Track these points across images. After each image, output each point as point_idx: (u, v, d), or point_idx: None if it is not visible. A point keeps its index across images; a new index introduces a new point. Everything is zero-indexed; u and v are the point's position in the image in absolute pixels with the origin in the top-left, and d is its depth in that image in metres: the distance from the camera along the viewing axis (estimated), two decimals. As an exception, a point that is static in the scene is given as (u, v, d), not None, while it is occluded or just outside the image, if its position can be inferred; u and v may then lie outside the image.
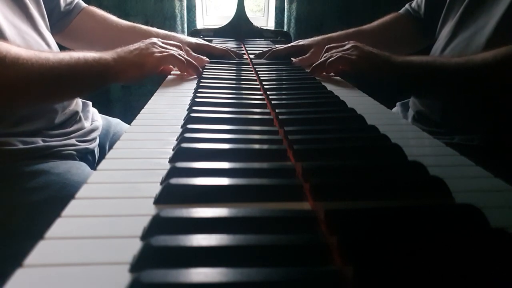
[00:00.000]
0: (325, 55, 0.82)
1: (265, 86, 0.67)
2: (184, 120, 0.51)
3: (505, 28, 0.67)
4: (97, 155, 0.84)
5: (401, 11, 1.00)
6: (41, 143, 0.68)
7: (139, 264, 0.24)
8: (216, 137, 0.44)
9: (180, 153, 0.39)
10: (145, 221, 0.28)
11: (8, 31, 0.65)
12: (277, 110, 0.52)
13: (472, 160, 0.41)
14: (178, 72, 0.81)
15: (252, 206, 0.31)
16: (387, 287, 0.22)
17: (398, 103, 0.97)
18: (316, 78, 0.79)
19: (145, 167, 0.38)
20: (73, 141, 0.74)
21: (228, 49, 1.00)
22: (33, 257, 0.25)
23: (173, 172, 0.35)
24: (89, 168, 0.73)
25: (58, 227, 0.28)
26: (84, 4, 0.93)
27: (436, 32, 0.86)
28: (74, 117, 0.78)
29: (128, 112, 1.68)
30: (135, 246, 0.26)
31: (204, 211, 0.28)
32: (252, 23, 1.46)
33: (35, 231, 0.30)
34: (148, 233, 0.27)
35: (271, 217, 0.29)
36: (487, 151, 0.69)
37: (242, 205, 0.31)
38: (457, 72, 0.67)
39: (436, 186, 0.33)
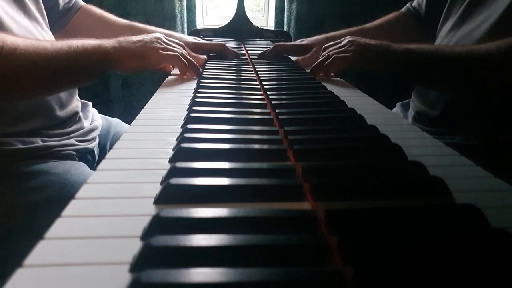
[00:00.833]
0: (322, 54, 0.82)
1: (265, 86, 0.67)
2: (184, 120, 0.51)
3: (504, 24, 0.67)
4: (97, 155, 0.84)
5: (402, 10, 1.00)
6: (40, 143, 0.68)
7: (139, 264, 0.24)
8: (216, 137, 0.44)
9: (180, 153, 0.39)
10: (145, 221, 0.28)
11: (14, 27, 0.65)
12: (277, 110, 0.52)
13: (472, 160, 0.41)
14: (178, 72, 0.81)
15: (252, 206, 0.31)
16: (387, 287, 0.22)
17: (398, 104, 0.97)
18: (316, 78, 0.79)
19: (145, 167, 0.38)
20: (72, 141, 0.74)
21: (225, 45, 1.00)
22: (33, 257, 0.25)
23: (173, 172, 0.35)
24: (88, 168, 0.73)
25: (58, 227, 0.28)
26: (82, 3, 0.93)
27: (437, 30, 0.86)
28: (74, 117, 0.78)
29: (128, 112, 1.68)
30: (135, 246, 0.26)
31: (204, 211, 0.28)
32: (252, 23, 1.46)
33: (34, 231, 0.30)
34: (148, 233, 0.27)
35: (271, 217, 0.29)
36: (487, 151, 0.69)
37: (242, 205, 0.31)
38: (459, 60, 0.66)
39: (436, 186, 0.33)
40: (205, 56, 0.94)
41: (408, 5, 1.00)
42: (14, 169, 0.64)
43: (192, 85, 0.72)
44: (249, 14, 1.51)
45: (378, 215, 0.29)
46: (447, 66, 0.68)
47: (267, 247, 0.25)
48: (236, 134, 0.45)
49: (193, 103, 0.57)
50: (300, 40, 1.04)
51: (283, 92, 0.67)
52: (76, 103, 0.80)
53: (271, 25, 1.82)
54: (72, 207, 0.31)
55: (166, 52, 0.73)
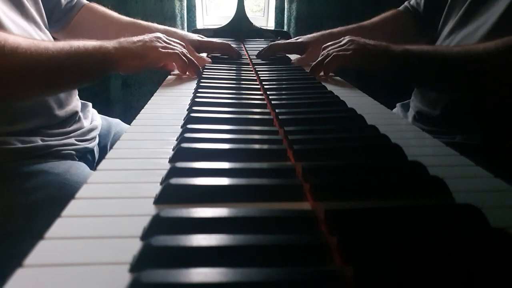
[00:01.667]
0: (322, 53, 0.81)
1: (265, 86, 0.67)
2: (184, 120, 0.51)
3: (505, 24, 0.67)
4: (97, 155, 0.84)
5: (400, 8, 1.00)
6: (40, 143, 0.68)
7: (139, 264, 0.24)
8: (216, 137, 0.44)
9: (180, 153, 0.39)
10: (145, 221, 0.28)
11: (12, 28, 0.65)
12: (277, 110, 0.52)
13: (472, 160, 0.41)
14: (178, 72, 0.81)
15: (252, 206, 0.31)
16: (387, 287, 0.22)
17: (398, 104, 0.97)
18: (316, 77, 0.79)
19: (145, 167, 0.38)
20: (72, 140, 0.74)
21: (230, 44, 1.00)
22: (33, 257, 0.25)
23: (173, 172, 0.35)
24: (88, 168, 0.73)
25: (58, 227, 0.28)
26: (85, 1, 0.93)
27: (438, 30, 0.86)
28: (74, 117, 0.78)
29: (128, 112, 1.68)
30: (135, 246, 0.26)
31: (204, 211, 0.28)
32: (252, 23, 1.46)
33: (34, 231, 0.30)
34: (148, 233, 0.27)
35: (271, 217, 0.29)
36: (487, 151, 0.69)
37: (242, 205, 0.31)
38: (457, 60, 0.66)
39: (436, 186, 0.33)
40: (209, 59, 0.93)
41: (406, 3, 0.99)
42: (13, 169, 0.64)
43: (192, 85, 0.72)
44: (249, 14, 1.51)
45: (378, 215, 0.29)
46: (445, 67, 0.68)
47: (267, 247, 0.25)
48: (236, 134, 0.45)
49: (193, 103, 0.57)
50: (296, 38, 1.04)
51: (283, 92, 0.67)
52: (76, 103, 0.80)
53: (271, 25, 1.82)
54: (72, 207, 0.31)
55: (166, 51, 0.73)
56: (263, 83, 0.70)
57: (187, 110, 0.55)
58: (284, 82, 0.75)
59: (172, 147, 0.43)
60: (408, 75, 0.75)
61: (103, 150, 0.87)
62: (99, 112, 0.93)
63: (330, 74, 0.83)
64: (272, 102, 0.57)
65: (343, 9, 1.70)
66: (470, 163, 0.40)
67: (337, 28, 0.99)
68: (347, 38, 0.78)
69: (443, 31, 0.83)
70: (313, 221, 0.28)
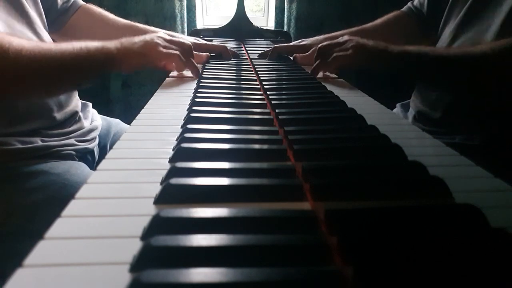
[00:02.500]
0: (317, 50, 0.81)
1: (265, 86, 0.67)
2: (184, 120, 0.51)
3: (509, 28, 0.67)
4: (96, 155, 0.84)
5: (403, 9, 1.00)
6: (40, 143, 0.68)
7: (139, 264, 0.24)
8: (216, 137, 0.44)
9: (180, 153, 0.39)
10: (145, 221, 0.28)
11: (2, 29, 0.65)
12: (277, 110, 0.52)
13: (472, 160, 0.41)
14: (175, 73, 0.81)
15: (252, 206, 0.31)
16: (387, 287, 0.22)
17: (398, 104, 0.97)
18: (316, 78, 0.79)
19: (145, 167, 0.38)
20: (72, 141, 0.74)
21: (226, 47, 1.00)
22: (33, 257, 0.25)
23: (173, 172, 0.35)
24: (88, 169, 0.73)
25: (58, 227, 0.28)
26: (81, 2, 0.93)
27: (439, 31, 0.86)
28: (74, 117, 0.78)
29: (128, 112, 1.67)
30: (135, 246, 0.26)
31: (204, 211, 0.28)
32: (252, 23, 1.46)
33: (34, 231, 0.30)
34: (148, 233, 0.27)
35: (271, 217, 0.29)
36: (487, 151, 0.69)
37: (242, 205, 0.31)
38: (454, 61, 0.67)
39: (436, 186, 0.33)
40: (207, 53, 0.94)
41: (409, 4, 0.99)
42: (14, 169, 0.64)
43: (192, 85, 0.72)
44: (249, 14, 1.51)
45: (378, 215, 0.29)
46: (442, 67, 0.68)
47: (267, 247, 0.25)
48: (236, 134, 0.45)
49: (193, 103, 0.57)
50: (299, 40, 1.04)
51: (283, 92, 0.67)
52: (76, 103, 0.80)
53: (271, 25, 1.82)
54: (72, 207, 0.31)
55: (166, 51, 0.73)
56: (263, 83, 0.70)
57: (187, 110, 0.55)
58: (284, 82, 0.75)
59: (172, 147, 0.43)
60: (406, 75, 0.76)
61: (103, 150, 0.87)
62: (99, 112, 0.93)
63: (333, 75, 0.83)
64: (272, 102, 0.57)
65: (343, 9, 1.70)
66: (470, 163, 0.40)
67: (339, 31, 0.99)
68: (345, 37, 0.78)
69: (443, 32, 0.83)
70: (313, 221, 0.28)
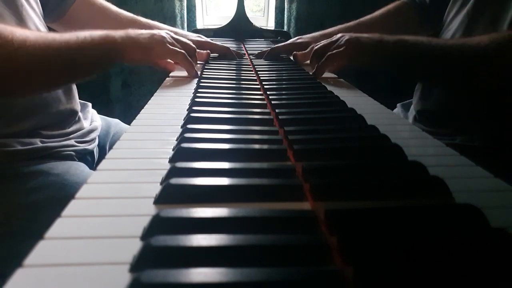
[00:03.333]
0: (315, 53, 0.80)
1: (265, 86, 0.67)
2: (184, 120, 0.51)
3: None
4: (96, 155, 0.84)
5: None
6: (39, 144, 0.68)
7: (139, 264, 0.24)
8: (216, 137, 0.44)
9: (180, 153, 0.39)
10: (145, 221, 0.28)
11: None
12: (277, 110, 0.52)
13: (473, 160, 0.41)
14: (176, 74, 0.81)
15: (252, 206, 0.31)
16: (387, 287, 0.22)
17: (398, 104, 0.97)
18: (319, 79, 0.79)
19: (145, 167, 0.38)
20: (72, 141, 0.74)
21: (229, 48, 1.00)
22: (33, 257, 0.25)
23: (173, 172, 0.35)
24: (88, 169, 0.73)
25: (58, 227, 0.28)
26: None
27: (444, 18, 0.84)
28: (73, 117, 0.78)
29: (128, 112, 1.68)
30: (135, 246, 0.26)
31: (204, 211, 0.28)
32: (252, 23, 1.46)
33: (34, 231, 0.30)
34: (148, 233, 0.27)
35: (271, 217, 0.29)
36: (488, 151, 0.69)
37: (242, 205, 0.31)
38: (451, 53, 0.66)
39: (436, 186, 0.33)
40: (208, 51, 0.93)
41: None
42: (14, 170, 0.64)
43: (192, 85, 0.72)
44: (249, 14, 1.51)
45: (378, 215, 0.29)
46: (439, 58, 0.67)
47: (267, 247, 0.25)
48: (236, 134, 0.45)
49: (193, 103, 0.57)
50: (295, 38, 1.03)
51: (283, 92, 0.67)
52: (76, 102, 0.80)
53: (271, 25, 1.82)
54: (72, 207, 0.31)
55: (173, 48, 0.73)
56: (263, 83, 0.70)
57: (187, 110, 0.55)
58: (284, 82, 0.75)
59: (172, 147, 0.43)
60: (403, 66, 0.73)
61: (102, 150, 0.87)
62: (99, 112, 0.93)
63: (333, 75, 0.83)
64: (272, 102, 0.57)
65: (343, 9, 1.70)
66: (470, 163, 0.40)
67: (337, 27, 0.98)
68: (337, 36, 0.77)
69: (453, 20, 0.81)
70: (313, 221, 0.28)
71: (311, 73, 0.81)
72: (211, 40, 1.02)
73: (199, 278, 0.22)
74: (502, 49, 0.61)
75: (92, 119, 0.86)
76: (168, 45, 0.73)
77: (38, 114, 0.70)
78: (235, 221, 0.28)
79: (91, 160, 0.81)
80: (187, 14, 1.69)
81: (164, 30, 0.77)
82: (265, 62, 0.96)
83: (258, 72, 0.81)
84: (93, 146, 0.80)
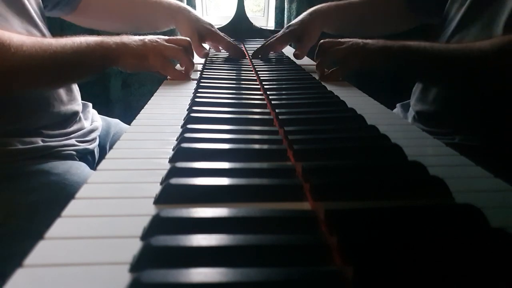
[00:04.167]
0: (320, 48, 0.81)
1: (265, 86, 0.67)
2: (184, 120, 0.51)
3: None
4: (97, 155, 0.84)
5: None
6: (40, 143, 0.68)
7: (139, 264, 0.24)
8: (216, 137, 0.44)
9: (180, 153, 0.39)
10: (145, 221, 0.28)
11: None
12: (277, 110, 0.52)
13: (472, 160, 0.41)
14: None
15: (252, 206, 0.31)
16: (387, 287, 0.22)
17: (398, 104, 0.97)
18: (316, 78, 0.79)
19: (145, 167, 0.38)
20: (72, 141, 0.74)
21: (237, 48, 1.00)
22: (33, 257, 0.25)
23: (173, 172, 0.35)
24: (88, 168, 0.73)
25: (58, 227, 0.28)
26: None
27: (444, 11, 0.84)
28: (74, 117, 0.78)
29: (128, 112, 1.68)
30: (135, 246, 0.26)
31: (204, 211, 0.28)
32: (252, 23, 1.46)
33: (34, 231, 0.30)
34: (148, 233, 0.27)
35: (271, 217, 0.29)
36: (487, 151, 0.69)
37: (242, 205, 0.31)
38: (453, 57, 0.67)
39: (436, 186, 0.33)
40: (207, 51, 0.94)
41: None
42: (14, 169, 0.64)
43: (192, 85, 0.72)
44: (249, 14, 1.51)
45: (378, 215, 0.29)
46: (441, 63, 0.68)
47: (267, 247, 0.25)
48: (236, 134, 0.45)
49: (193, 103, 0.57)
50: (286, 27, 1.00)
51: (283, 92, 0.67)
52: (77, 102, 0.80)
53: (271, 25, 1.82)
54: (72, 207, 0.31)
55: (171, 45, 0.74)
56: (263, 83, 0.70)
57: (187, 110, 0.55)
58: (284, 82, 0.75)
59: (172, 147, 0.43)
60: (407, 71, 0.76)
61: (102, 150, 0.87)
62: (99, 112, 0.93)
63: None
64: (272, 102, 0.57)
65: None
66: (470, 163, 0.40)
67: (326, 4, 0.97)
68: (344, 40, 0.78)
69: (447, 19, 0.81)
70: (313, 221, 0.28)
71: (309, 72, 0.81)
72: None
73: (199, 278, 0.22)
74: (503, 53, 0.61)
75: (92, 119, 0.86)
76: (165, 42, 0.74)
77: (40, 114, 0.70)
78: (235, 221, 0.28)
79: (92, 160, 0.81)
80: (187, 14, 1.69)
81: (159, 36, 0.78)
82: (265, 62, 0.96)
83: (258, 72, 0.81)
84: (94, 146, 0.81)
